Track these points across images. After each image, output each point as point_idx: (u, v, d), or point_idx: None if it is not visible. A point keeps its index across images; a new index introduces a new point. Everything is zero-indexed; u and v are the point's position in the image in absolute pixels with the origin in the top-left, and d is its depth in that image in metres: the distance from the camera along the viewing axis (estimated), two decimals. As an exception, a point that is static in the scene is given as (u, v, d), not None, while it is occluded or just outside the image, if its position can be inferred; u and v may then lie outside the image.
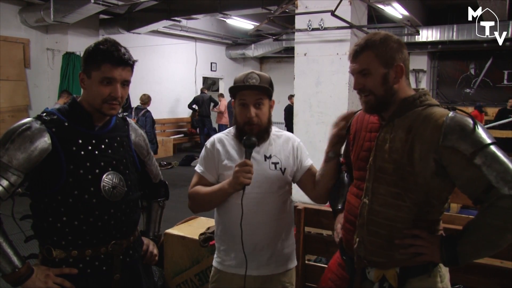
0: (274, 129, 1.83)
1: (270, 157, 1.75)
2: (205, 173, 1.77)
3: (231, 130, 1.83)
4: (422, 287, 1.43)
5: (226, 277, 1.77)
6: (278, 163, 1.76)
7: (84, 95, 1.50)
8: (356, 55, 1.43)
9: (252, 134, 1.67)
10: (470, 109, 10.56)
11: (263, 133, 1.74)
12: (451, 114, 1.33)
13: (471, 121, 1.30)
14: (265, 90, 1.70)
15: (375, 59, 1.40)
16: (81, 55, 1.58)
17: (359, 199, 1.50)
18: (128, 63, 1.46)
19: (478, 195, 1.30)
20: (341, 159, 1.88)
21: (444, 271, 1.47)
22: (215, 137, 1.84)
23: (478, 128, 1.29)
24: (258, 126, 1.70)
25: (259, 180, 1.69)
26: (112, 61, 1.42)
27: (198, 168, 1.80)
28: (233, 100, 1.77)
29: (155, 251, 1.74)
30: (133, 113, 7.66)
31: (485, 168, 1.26)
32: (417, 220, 1.40)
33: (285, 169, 1.77)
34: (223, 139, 1.80)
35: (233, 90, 1.73)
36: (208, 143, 1.82)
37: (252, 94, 1.68)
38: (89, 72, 1.44)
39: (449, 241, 1.35)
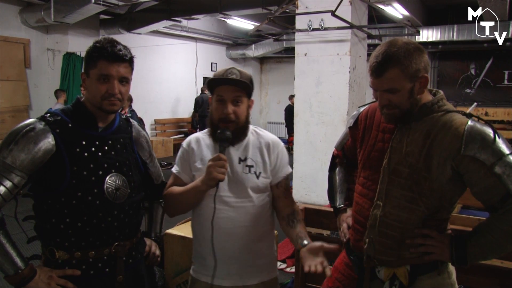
0: (258, 129, 1.71)
1: (245, 159, 1.62)
2: (181, 173, 1.66)
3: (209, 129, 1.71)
4: (432, 284, 1.45)
5: (199, 286, 1.66)
6: (252, 166, 1.62)
7: (86, 95, 1.51)
8: (380, 72, 1.35)
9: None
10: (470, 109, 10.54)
11: (239, 133, 1.61)
12: (470, 122, 1.33)
13: (491, 131, 1.32)
14: (245, 86, 1.58)
15: (402, 75, 1.33)
16: (82, 55, 1.58)
17: (368, 200, 1.50)
18: (124, 59, 1.44)
19: (494, 202, 1.33)
20: (335, 151, 1.86)
21: (451, 268, 1.50)
22: (192, 136, 1.72)
23: (498, 138, 1.31)
24: (235, 124, 1.58)
25: (231, 183, 1.59)
26: (107, 57, 1.41)
27: (174, 168, 1.69)
28: (210, 96, 1.65)
29: (157, 252, 1.75)
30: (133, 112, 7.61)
31: (504, 177, 1.29)
32: (427, 219, 1.42)
33: (260, 173, 1.62)
34: (200, 138, 1.69)
35: (211, 84, 1.60)
36: (184, 143, 1.71)
37: (231, 89, 1.57)
38: (88, 71, 1.45)
39: (459, 242, 1.38)
